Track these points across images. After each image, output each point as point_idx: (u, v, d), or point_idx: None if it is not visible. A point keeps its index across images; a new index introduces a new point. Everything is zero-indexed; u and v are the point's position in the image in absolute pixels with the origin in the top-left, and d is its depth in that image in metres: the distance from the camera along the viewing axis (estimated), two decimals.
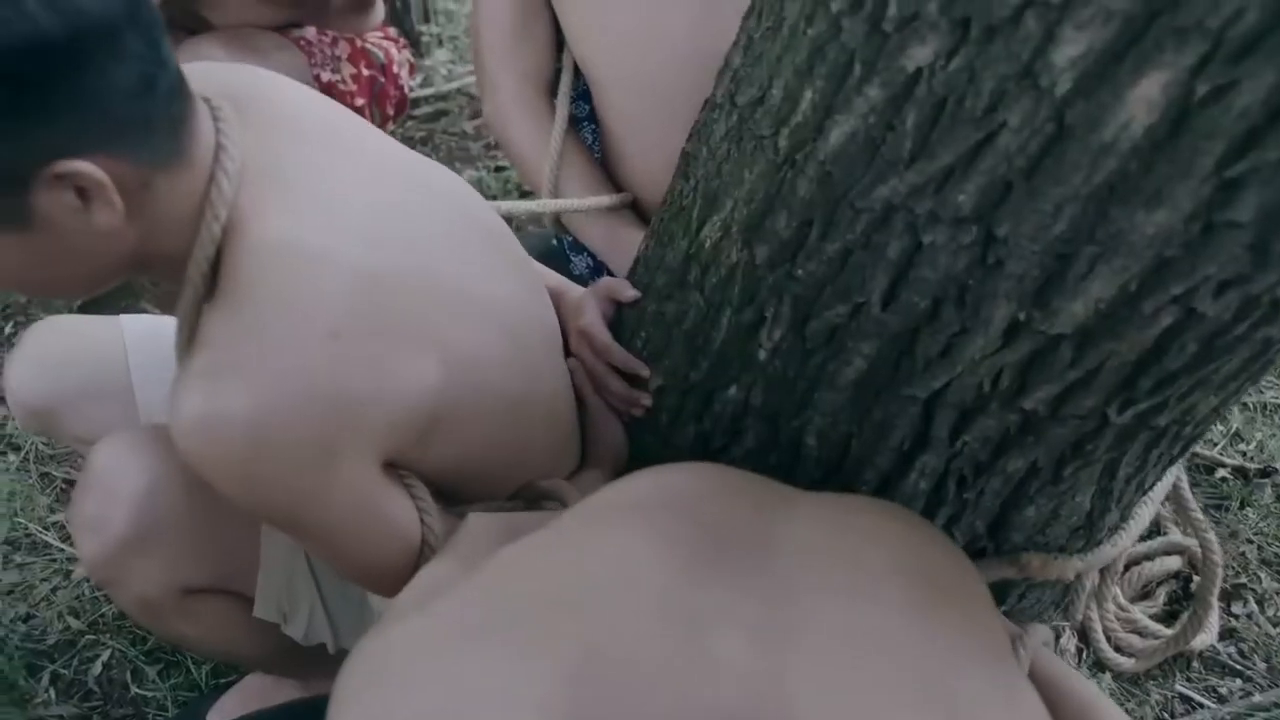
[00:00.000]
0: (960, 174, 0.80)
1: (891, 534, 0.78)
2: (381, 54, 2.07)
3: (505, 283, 1.00)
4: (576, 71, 1.51)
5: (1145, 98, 0.70)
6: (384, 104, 2.09)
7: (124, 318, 1.23)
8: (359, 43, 2.03)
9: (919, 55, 0.77)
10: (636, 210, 1.49)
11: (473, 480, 1.00)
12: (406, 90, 2.13)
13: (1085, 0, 0.68)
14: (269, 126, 0.88)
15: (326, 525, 0.86)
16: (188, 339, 0.86)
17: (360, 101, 2.01)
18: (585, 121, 1.54)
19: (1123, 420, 0.92)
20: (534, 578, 0.66)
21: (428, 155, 2.23)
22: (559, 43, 1.53)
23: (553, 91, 1.53)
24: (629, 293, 1.16)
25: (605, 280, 1.20)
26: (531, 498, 1.04)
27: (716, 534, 0.70)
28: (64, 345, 1.18)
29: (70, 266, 0.82)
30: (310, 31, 1.93)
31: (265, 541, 1.04)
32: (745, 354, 1.02)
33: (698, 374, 1.08)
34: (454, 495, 1.01)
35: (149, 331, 1.21)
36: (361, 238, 0.86)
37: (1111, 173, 0.74)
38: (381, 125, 2.14)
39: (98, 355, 1.18)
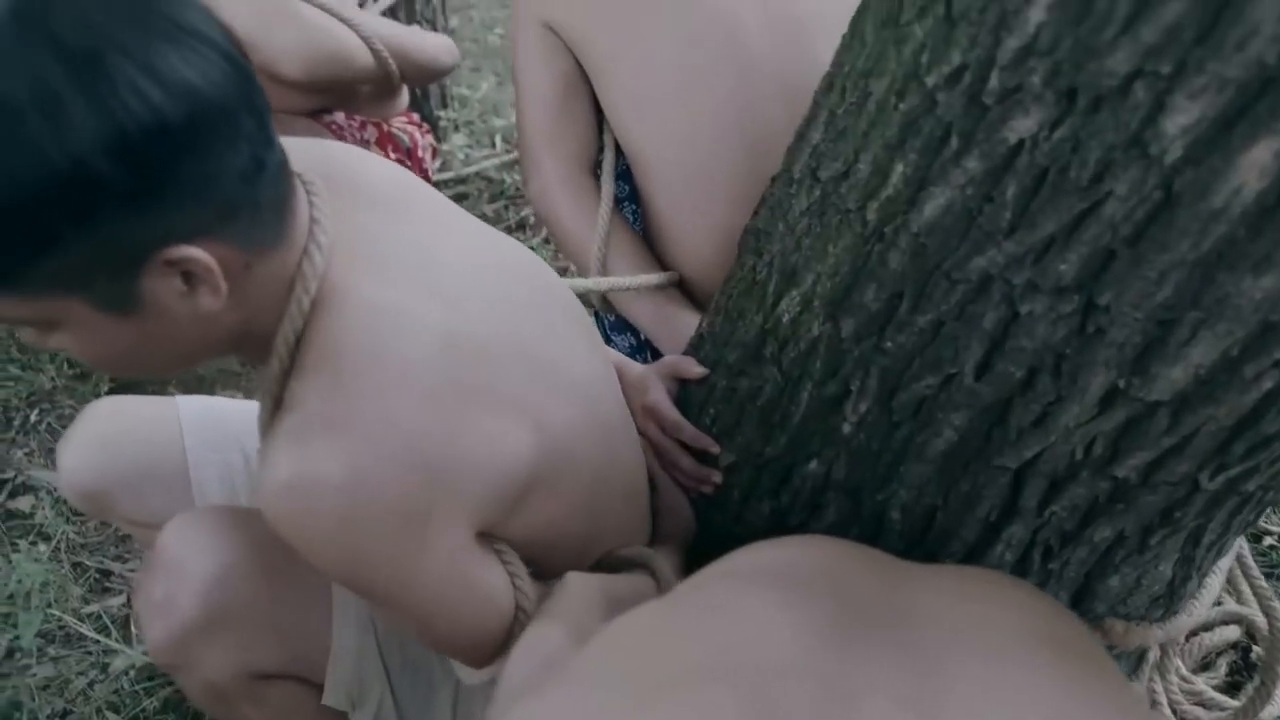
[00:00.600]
0: (1062, 243, 0.80)
1: (1014, 600, 0.77)
2: (407, 138, 2.09)
3: (584, 355, 1.00)
4: (617, 149, 1.53)
5: (1257, 163, 0.71)
6: None
7: (179, 398, 1.22)
8: (386, 127, 2.05)
9: (1021, 127, 0.79)
10: (682, 289, 1.50)
11: (554, 553, 0.98)
12: (430, 174, 2.14)
13: (1198, 69, 0.69)
14: (354, 198, 0.89)
15: (419, 593, 0.84)
16: (272, 411, 0.85)
17: None
18: (626, 201, 1.55)
19: (1213, 486, 0.92)
20: (669, 650, 0.65)
21: None
22: (599, 121, 1.55)
23: (595, 170, 1.54)
24: (696, 369, 1.16)
25: (669, 357, 1.20)
26: (614, 567, 1.02)
27: (848, 604, 0.69)
28: (119, 426, 1.17)
29: (167, 348, 0.82)
30: (340, 116, 1.95)
31: (336, 626, 1.01)
32: (827, 428, 1.01)
33: (774, 449, 1.07)
34: (533, 567, 0.99)
35: (203, 412, 1.20)
36: (450, 304, 0.86)
37: (1220, 239, 0.74)
38: None
39: (152, 436, 1.17)
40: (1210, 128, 0.71)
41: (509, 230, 2.34)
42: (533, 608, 0.90)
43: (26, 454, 1.78)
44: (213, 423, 1.19)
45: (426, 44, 1.89)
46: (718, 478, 1.13)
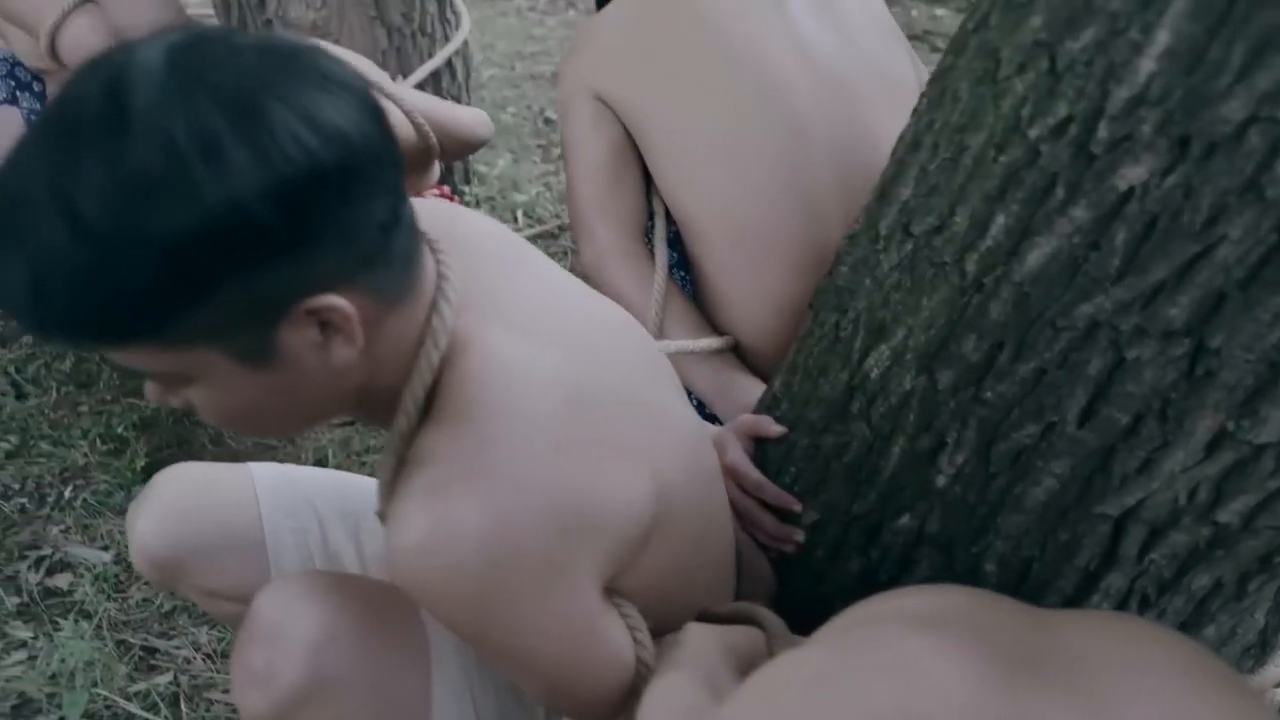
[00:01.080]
0: (1172, 287, 0.82)
1: (1160, 638, 0.76)
2: None
3: (681, 406, 1.01)
4: (667, 215, 1.55)
5: None
6: None
7: (252, 465, 1.21)
8: (422, 195, 2.08)
9: (1131, 175, 0.80)
10: (736, 353, 1.50)
11: (656, 609, 0.97)
12: None
13: None
14: (466, 252, 0.89)
15: (548, 648, 0.82)
16: (395, 469, 0.84)
17: None
18: (675, 267, 1.56)
19: None
20: (840, 697, 0.64)
21: None
22: (648, 188, 1.57)
23: (645, 237, 1.56)
24: (774, 428, 1.16)
25: (746, 417, 1.20)
26: (715, 622, 1.01)
27: (1003, 647, 0.69)
28: (193, 494, 1.15)
29: (294, 404, 0.81)
30: None
31: (436, 694, 0.99)
32: (920, 481, 1.01)
33: (862, 505, 1.07)
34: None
35: (277, 478, 1.19)
36: (569, 353, 0.86)
37: None
38: None
39: (228, 503, 1.15)
40: None
41: None
42: (654, 662, 0.88)
43: (62, 530, 1.75)
44: (287, 488, 1.18)
45: (463, 117, 1.91)
46: (800, 536, 1.13)
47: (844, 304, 1.09)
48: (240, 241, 0.67)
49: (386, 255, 0.77)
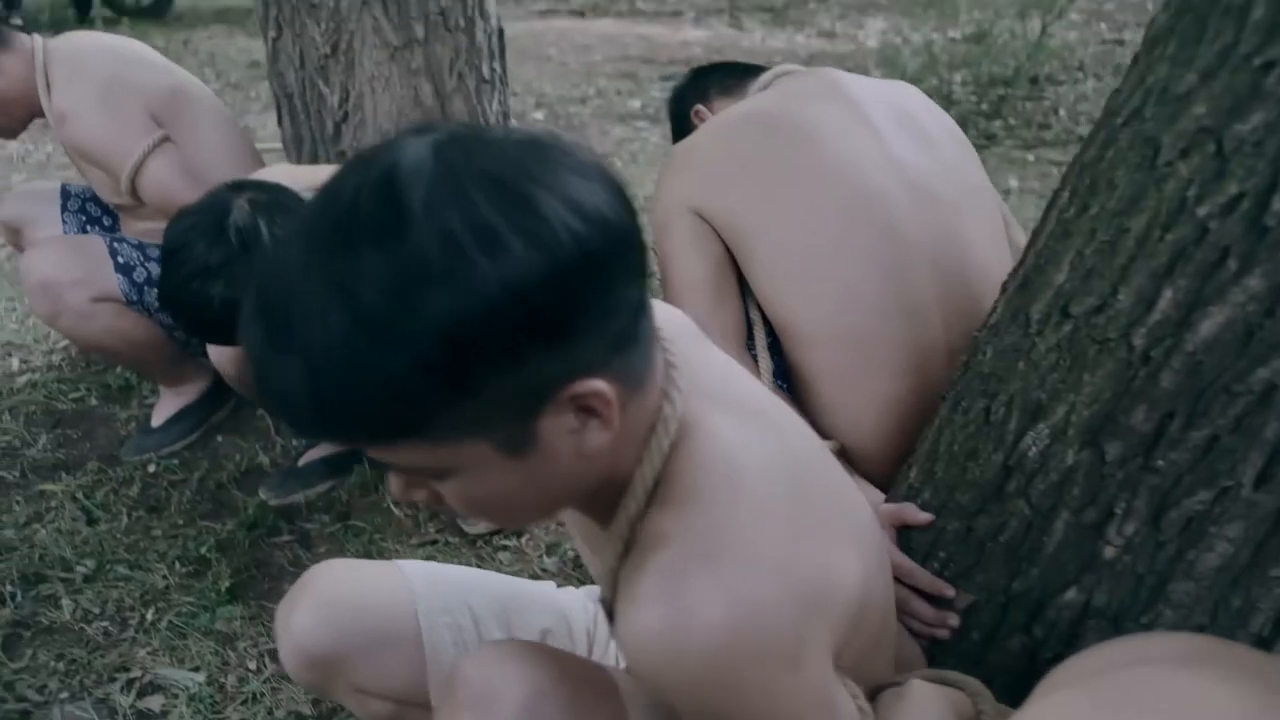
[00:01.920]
0: None
1: None
2: None
3: (856, 490, 1.03)
4: (765, 323, 1.60)
5: None
6: None
7: (401, 562, 1.21)
8: None
9: None
10: (843, 456, 1.53)
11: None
12: None
13: None
14: (674, 336, 0.92)
15: None
16: (621, 555, 0.85)
17: None
18: (774, 374, 1.61)
19: None
20: None
21: None
22: (745, 298, 1.62)
23: (746, 345, 1.60)
24: (921, 515, 1.19)
25: (890, 505, 1.23)
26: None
27: (1257, 678, 0.71)
28: (349, 589, 1.15)
29: (545, 492, 0.81)
30: None
31: None
32: (1087, 554, 1.04)
33: (1023, 583, 1.09)
34: None
35: (430, 574, 1.20)
36: (777, 438, 0.89)
37: None
38: None
39: (383, 599, 1.15)
40: None
41: None
42: None
43: (149, 653, 1.72)
44: (440, 584, 1.18)
45: None
46: (955, 621, 1.14)
47: (992, 389, 1.13)
48: (516, 326, 0.68)
49: (635, 338, 0.78)
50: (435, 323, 0.66)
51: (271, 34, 2.25)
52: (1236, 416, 0.93)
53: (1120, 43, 5.89)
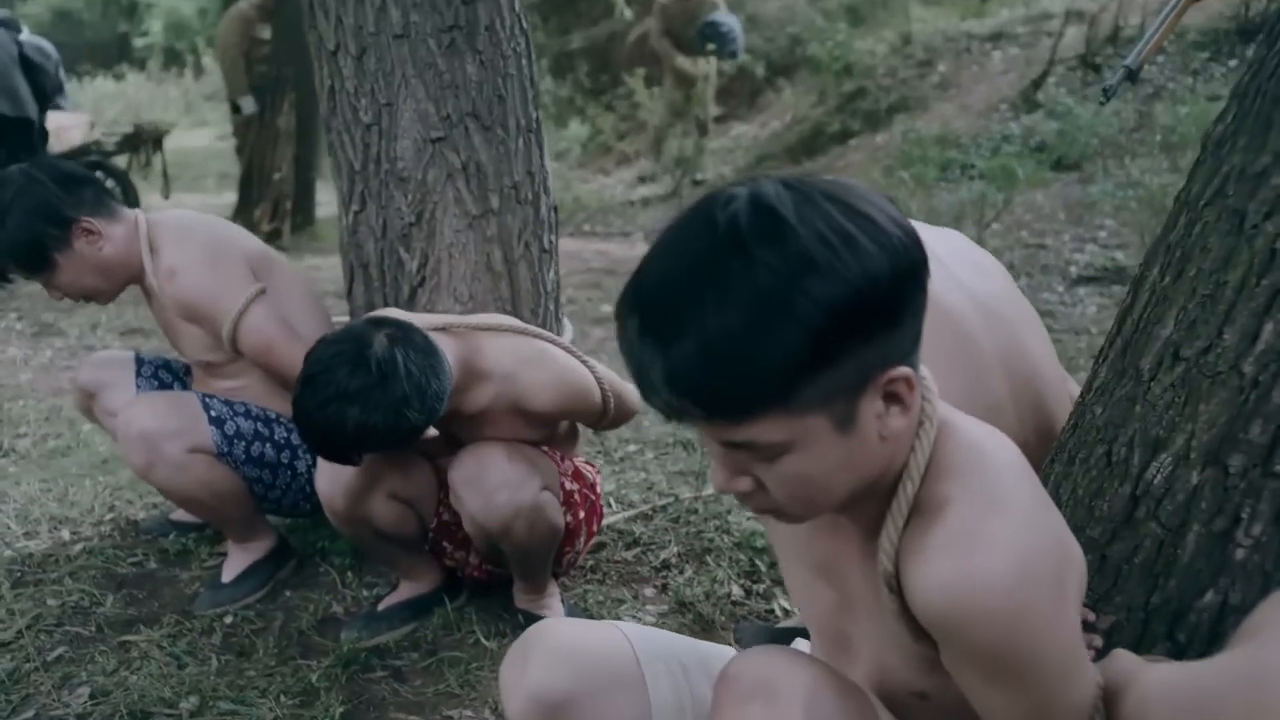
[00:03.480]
0: None
1: None
2: (591, 473, 2.32)
3: None
4: None
5: None
6: (590, 520, 2.29)
7: (614, 621, 1.32)
8: (576, 462, 2.28)
9: None
10: None
11: None
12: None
13: None
14: None
15: (1056, 661, 0.95)
16: (901, 528, 0.98)
17: (581, 514, 2.22)
18: None
19: None
20: None
21: (598, 582, 2.40)
22: None
23: None
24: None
25: None
26: None
27: None
28: (579, 641, 1.26)
29: (853, 476, 0.96)
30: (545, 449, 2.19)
31: None
32: (1219, 559, 1.22)
33: (1161, 596, 1.26)
34: None
35: (642, 632, 1.32)
36: (1008, 441, 1.06)
37: None
38: (586, 542, 2.32)
39: (607, 648, 1.27)
40: None
41: (639, 564, 2.51)
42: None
43: None
44: (651, 640, 1.30)
45: (629, 389, 2.15)
46: (1099, 643, 1.29)
47: (1110, 436, 1.33)
48: (869, 311, 0.87)
49: (920, 337, 0.96)
50: (816, 304, 0.85)
51: (354, 208, 2.47)
52: None
53: (1042, 246, 6.44)
